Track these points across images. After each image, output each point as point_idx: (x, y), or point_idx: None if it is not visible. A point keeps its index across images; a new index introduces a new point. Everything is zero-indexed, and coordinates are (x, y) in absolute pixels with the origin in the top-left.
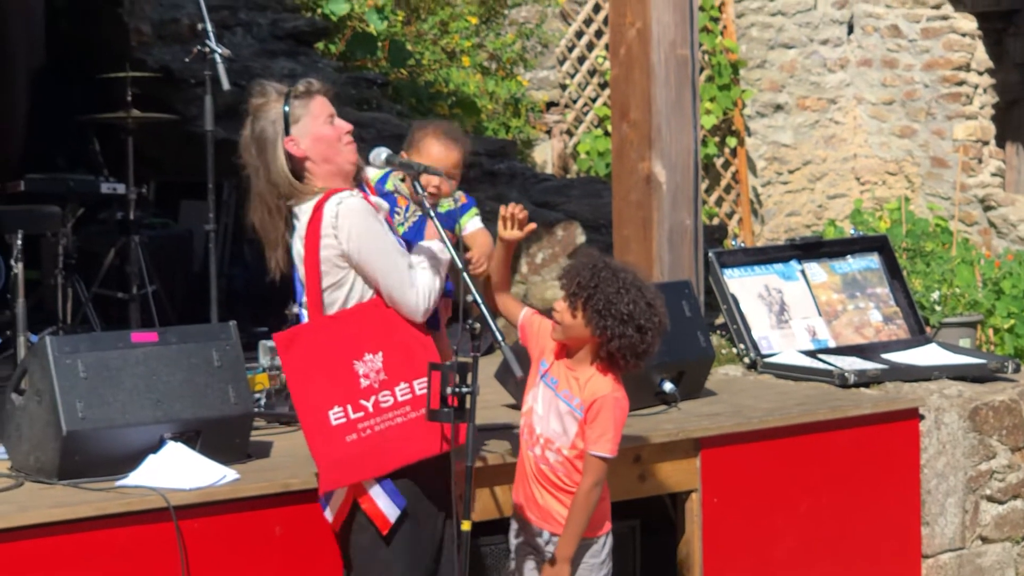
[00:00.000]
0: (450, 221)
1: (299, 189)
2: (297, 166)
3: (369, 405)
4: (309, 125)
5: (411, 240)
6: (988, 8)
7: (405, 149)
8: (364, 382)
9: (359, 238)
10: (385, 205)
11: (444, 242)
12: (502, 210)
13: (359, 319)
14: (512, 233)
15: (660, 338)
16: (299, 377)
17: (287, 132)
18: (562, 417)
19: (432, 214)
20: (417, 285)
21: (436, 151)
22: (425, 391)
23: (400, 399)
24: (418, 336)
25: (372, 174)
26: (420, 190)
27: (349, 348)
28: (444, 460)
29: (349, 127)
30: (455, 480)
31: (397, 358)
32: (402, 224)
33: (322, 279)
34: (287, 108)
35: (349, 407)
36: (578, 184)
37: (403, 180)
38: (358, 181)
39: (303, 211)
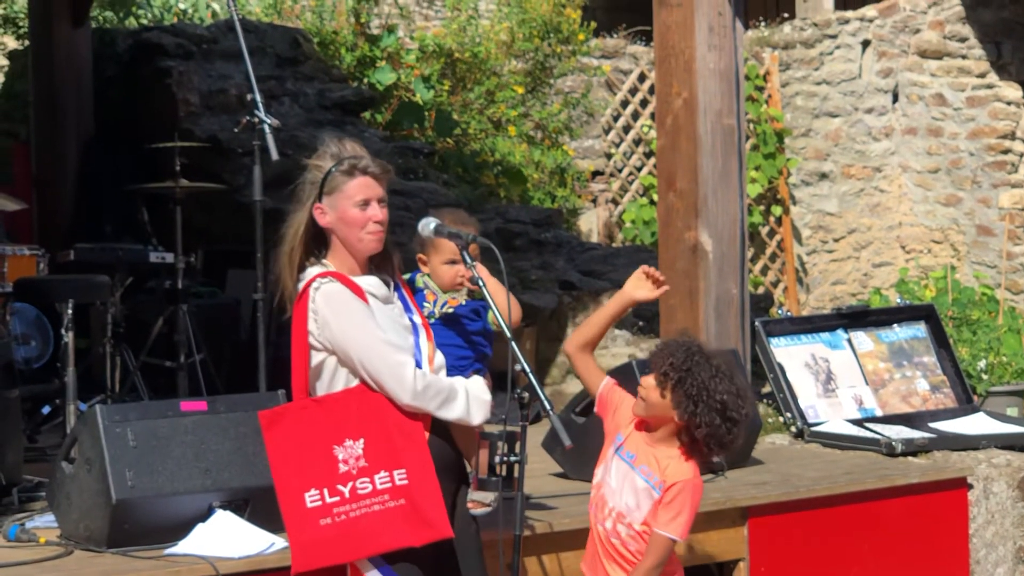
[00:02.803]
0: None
1: (294, 260)
2: (323, 232)
3: (346, 491)
4: (339, 201)
5: (444, 336)
6: None
7: (419, 250)
8: (343, 467)
9: (334, 325)
10: (379, 291)
11: (493, 308)
12: (643, 269)
13: (343, 405)
14: (645, 292)
15: (746, 430)
16: (279, 457)
17: (319, 199)
18: (637, 492)
19: (482, 282)
20: (407, 380)
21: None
22: (405, 482)
23: (379, 487)
24: (403, 426)
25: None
26: (468, 259)
27: (330, 433)
28: (447, 547)
29: (380, 217)
30: (502, 548)
31: (379, 446)
32: (432, 315)
33: (309, 360)
34: (327, 176)
35: (325, 491)
36: (624, 253)
37: (428, 275)
38: (383, 268)
39: (298, 285)
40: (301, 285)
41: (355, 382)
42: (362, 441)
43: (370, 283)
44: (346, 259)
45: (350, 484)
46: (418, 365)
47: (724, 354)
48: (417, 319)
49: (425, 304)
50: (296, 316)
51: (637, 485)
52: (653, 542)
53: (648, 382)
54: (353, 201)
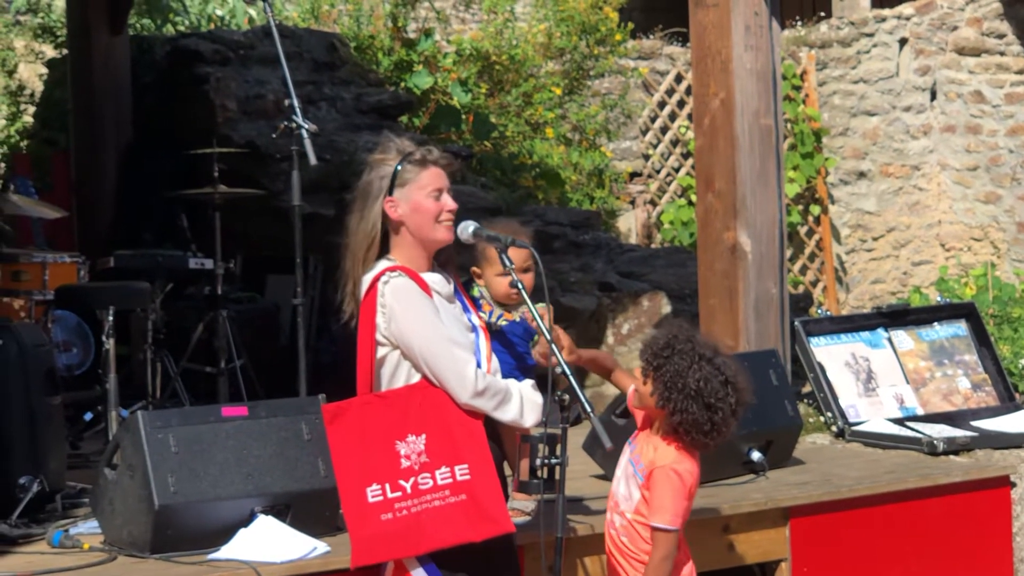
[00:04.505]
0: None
1: (370, 257)
2: (392, 227)
3: (407, 486)
4: (412, 192)
5: (492, 345)
6: None
7: (473, 264)
8: (405, 463)
9: (401, 319)
10: (443, 289)
11: (536, 318)
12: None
13: (406, 400)
14: (571, 356)
15: (735, 418)
16: (341, 451)
17: (390, 192)
18: (628, 480)
19: (521, 286)
20: (468, 379)
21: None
22: (467, 477)
23: (440, 482)
24: (464, 422)
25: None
26: (508, 263)
27: (393, 428)
28: (502, 544)
29: (453, 206)
30: (544, 551)
31: (440, 442)
32: (489, 325)
33: (375, 355)
34: (398, 169)
35: (387, 486)
36: (663, 254)
37: (484, 287)
38: (447, 267)
39: (364, 281)
40: (368, 279)
41: (416, 378)
42: (424, 436)
43: (435, 280)
44: (413, 254)
45: (412, 479)
46: (478, 365)
47: (715, 343)
48: (476, 320)
49: (480, 314)
50: (364, 310)
51: (628, 472)
52: (653, 537)
53: (637, 372)
54: (427, 191)
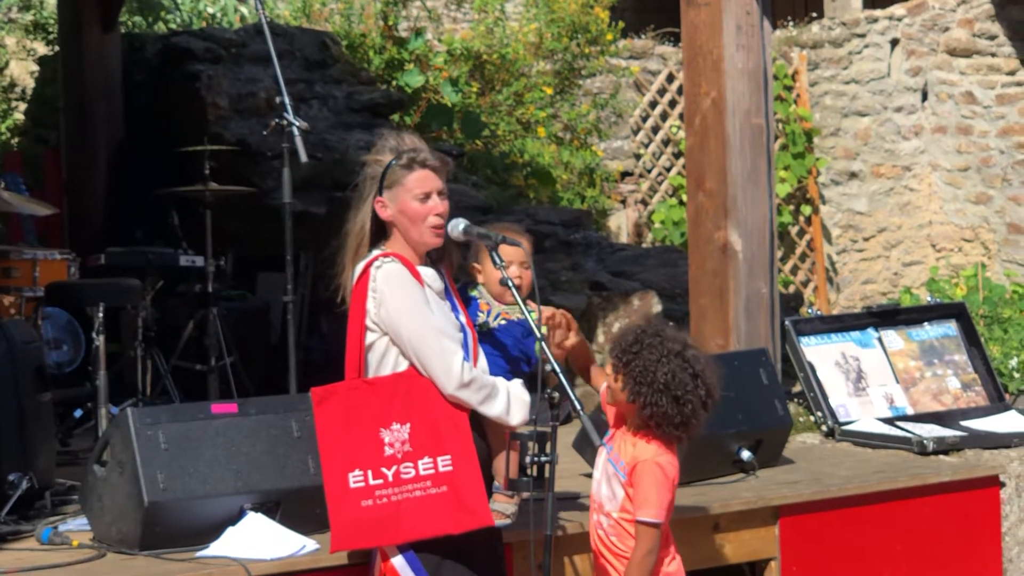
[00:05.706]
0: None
1: (360, 256)
2: (385, 226)
3: (389, 474)
4: (399, 195)
5: (488, 347)
6: None
7: (473, 259)
8: (388, 451)
9: (391, 304)
10: (435, 283)
11: (527, 316)
12: (556, 318)
13: (392, 388)
14: (570, 339)
15: (706, 411)
16: (326, 434)
17: (380, 193)
18: (610, 480)
19: (512, 284)
20: (454, 369)
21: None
22: (449, 468)
23: (422, 472)
24: (449, 413)
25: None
26: (499, 261)
27: (378, 415)
28: (483, 537)
29: (441, 209)
30: (533, 549)
31: (424, 432)
32: (485, 325)
33: (364, 340)
34: (387, 169)
35: (369, 473)
36: (654, 253)
37: (483, 284)
38: (440, 264)
39: (356, 268)
40: (361, 265)
41: (404, 365)
42: (408, 426)
43: (428, 274)
44: (405, 250)
45: (394, 468)
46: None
47: (683, 337)
48: (463, 319)
49: (479, 314)
50: (355, 296)
51: (609, 472)
52: (636, 531)
53: (608, 368)
54: (413, 194)
